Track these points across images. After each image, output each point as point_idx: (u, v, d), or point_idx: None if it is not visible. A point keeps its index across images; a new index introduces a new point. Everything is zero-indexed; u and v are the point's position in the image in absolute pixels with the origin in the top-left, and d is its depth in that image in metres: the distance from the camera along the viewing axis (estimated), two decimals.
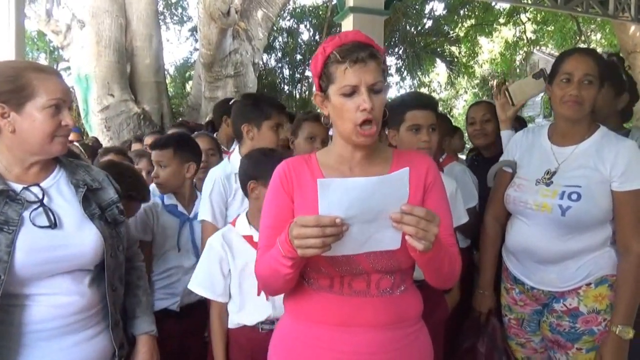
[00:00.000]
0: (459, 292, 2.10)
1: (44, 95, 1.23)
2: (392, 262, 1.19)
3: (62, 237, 1.27)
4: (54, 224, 1.26)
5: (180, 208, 2.15)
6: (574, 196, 1.63)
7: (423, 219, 0.98)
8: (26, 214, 1.23)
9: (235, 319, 1.69)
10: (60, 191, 1.34)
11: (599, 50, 14.32)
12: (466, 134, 3.04)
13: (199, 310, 1.99)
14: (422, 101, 1.89)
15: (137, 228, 2.04)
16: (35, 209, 1.25)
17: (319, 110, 1.45)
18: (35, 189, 1.28)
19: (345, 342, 1.20)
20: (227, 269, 1.69)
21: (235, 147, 2.23)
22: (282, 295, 1.58)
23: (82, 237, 1.30)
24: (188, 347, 2.03)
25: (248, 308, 1.67)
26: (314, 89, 1.32)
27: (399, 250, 1.10)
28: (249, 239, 1.69)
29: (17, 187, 1.26)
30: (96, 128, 7.07)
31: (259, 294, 1.63)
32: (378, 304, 1.21)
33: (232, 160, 2.06)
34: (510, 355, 1.90)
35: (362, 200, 0.97)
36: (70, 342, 1.27)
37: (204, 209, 1.97)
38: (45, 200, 1.28)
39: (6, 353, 1.18)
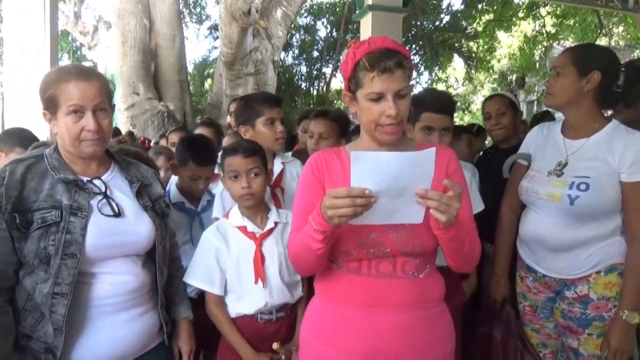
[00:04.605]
0: (476, 279, 2.17)
1: (64, 103, 1.33)
2: (416, 243, 1.28)
3: (123, 225, 1.42)
4: (117, 213, 1.40)
5: (187, 204, 2.21)
6: (583, 186, 1.68)
7: (447, 195, 1.07)
8: (93, 202, 1.38)
9: (235, 309, 1.74)
10: (117, 185, 1.48)
11: (622, 43, 14.07)
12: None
13: None
14: (438, 105, 1.93)
15: None
16: (101, 199, 1.39)
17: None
18: (97, 182, 1.42)
19: (372, 321, 1.30)
20: (223, 260, 1.73)
21: None
22: (278, 284, 1.70)
23: (139, 226, 1.46)
24: (208, 331, 2.07)
25: (247, 297, 1.72)
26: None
27: (423, 231, 1.21)
28: (243, 229, 1.75)
29: (83, 178, 1.40)
30: (122, 126, 7.30)
31: (256, 282, 1.70)
32: (403, 286, 1.30)
33: None
34: (525, 341, 1.95)
35: (391, 174, 1.05)
36: (126, 316, 1.41)
37: (217, 208, 2.03)
38: (108, 192, 1.42)
39: (77, 325, 1.33)
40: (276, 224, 1.79)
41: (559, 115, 1.91)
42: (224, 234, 1.75)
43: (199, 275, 1.72)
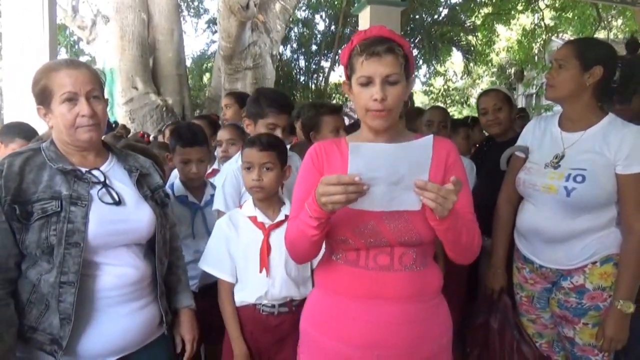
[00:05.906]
0: (444, 269, 2.23)
1: (57, 92, 1.35)
2: (413, 233, 1.29)
3: (124, 213, 1.43)
4: (117, 201, 1.42)
5: (191, 198, 2.23)
6: (579, 178, 1.70)
7: (445, 188, 1.09)
8: (93, 191, 1.39)
9: (240, 297, 1.78)
10: (116, 175, 1.50)
11: (620, 36, 14.06)
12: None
13: (217, 290, 2.03)
14: None
15: None
16: (100, 189, 1.41)
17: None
18: (96, 172, 1.44)
19: (371, 313, 1.31)
20: (233, 249, 1.78)
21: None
22: (283, 276, 1.72)
23: (140, 214, 1.47)
24: (208, 324, 2.07)
25: (250, 284, 1.75)
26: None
27: (420, 221, 1.23)
28: (253, 219, 1.80)
29: (82, 169, 1.42)
30: (121, 120, 7.31)
31: (260, 271, 1.73)
32: (401, 279, 1.31)
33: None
34: (522, 330, 1.98)
35: (387, 164, 1.07)
36: (128, 309, 1.43)
37: (218, 200, 2.05)
38: (107, 182, 1.44)
39: (80, 317, 1.34)
40: (287, 217, 1.81)
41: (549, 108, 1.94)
42: (236, 223, 1.81)
43: (211, 262, 1.81)
